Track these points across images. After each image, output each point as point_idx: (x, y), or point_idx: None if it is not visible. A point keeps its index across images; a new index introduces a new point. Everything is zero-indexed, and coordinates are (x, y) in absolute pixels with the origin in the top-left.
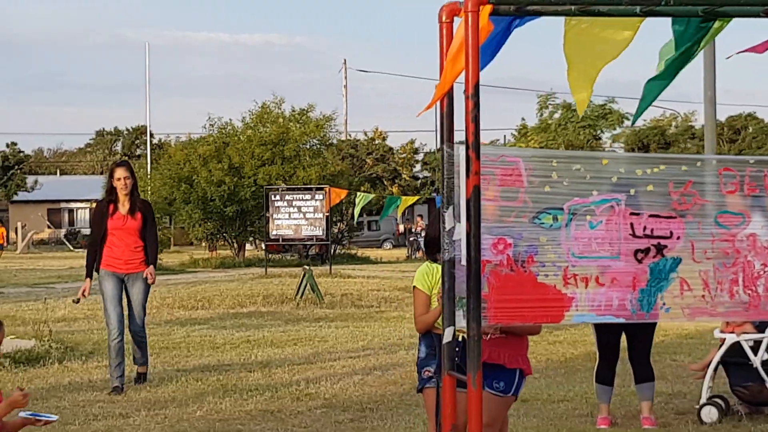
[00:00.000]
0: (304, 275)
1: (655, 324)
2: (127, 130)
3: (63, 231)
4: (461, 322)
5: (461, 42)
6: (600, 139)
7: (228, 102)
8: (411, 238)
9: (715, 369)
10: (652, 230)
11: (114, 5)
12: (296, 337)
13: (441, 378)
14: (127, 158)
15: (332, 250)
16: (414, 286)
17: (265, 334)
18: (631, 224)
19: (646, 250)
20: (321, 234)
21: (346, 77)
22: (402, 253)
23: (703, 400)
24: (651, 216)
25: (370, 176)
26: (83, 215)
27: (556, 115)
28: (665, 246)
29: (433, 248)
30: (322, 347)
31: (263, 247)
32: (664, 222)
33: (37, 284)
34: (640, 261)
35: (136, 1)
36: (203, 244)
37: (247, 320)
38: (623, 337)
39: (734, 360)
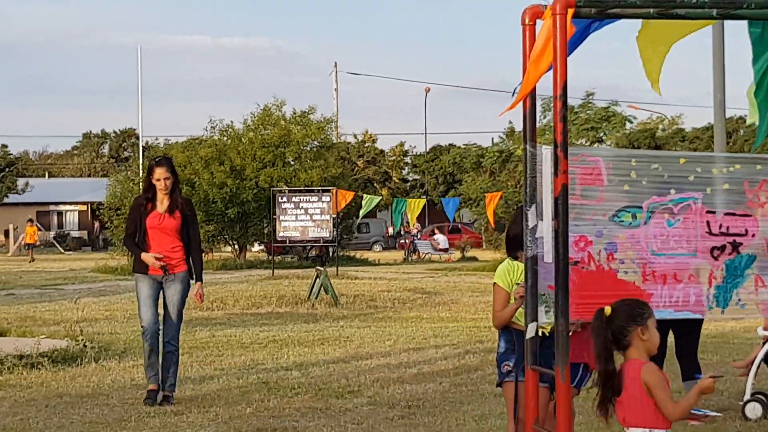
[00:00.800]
0: (317, 276)
1: (702, 321)
2: (114, 132)
3: (52, 233)
4: (543, 317)
5: (544, 43)
6: (602, 141)
7: (218, 105)
8: (407, 240)
9: (758, 366)
10: (727, 228)
11: (100, 7)
12: (321, 337)
13: (521, 372)
14: (119, 159)
15: (334, 252)
16: (494, 283)
17: (290, 334)
18: (708, 222)
19: (722, 248)
20: (327, 235)
21: (336, 80)
22: (394, 255)
23: (747, 397)
24: (727, 214)
25: (361, 179)
26: (72, 218)
27: None
28: (740, 243)
29: (515, 246)
30: (350, 347)
31: (253, 248)
32: (739, 220)
33: (45, 286)
34: (716, 258)
35: (121, 3)
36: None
37: (266, 320)
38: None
39: None
